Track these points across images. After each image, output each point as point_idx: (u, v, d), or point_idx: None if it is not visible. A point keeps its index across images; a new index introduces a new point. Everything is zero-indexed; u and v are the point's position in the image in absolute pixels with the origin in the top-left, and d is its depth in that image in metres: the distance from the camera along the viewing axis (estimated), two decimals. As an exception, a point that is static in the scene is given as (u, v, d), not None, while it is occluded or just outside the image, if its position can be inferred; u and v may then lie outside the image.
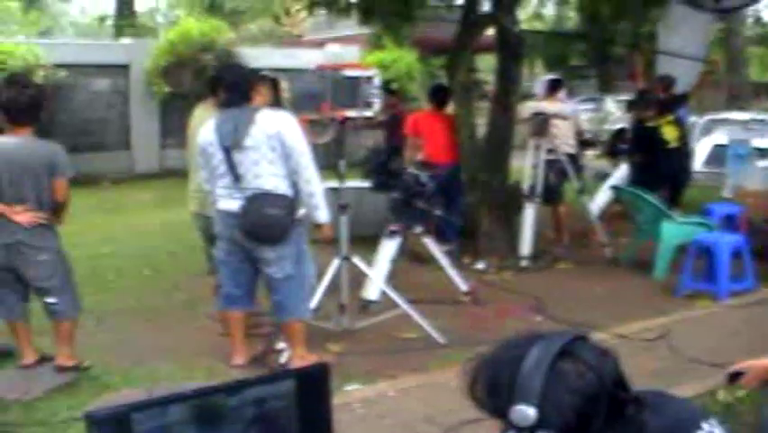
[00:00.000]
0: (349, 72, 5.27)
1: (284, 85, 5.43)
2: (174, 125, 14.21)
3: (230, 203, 4.68)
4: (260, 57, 16.28)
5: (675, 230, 7.40)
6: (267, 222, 4.60)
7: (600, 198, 9.75)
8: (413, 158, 8.11)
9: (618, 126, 12.82)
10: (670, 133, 8.57)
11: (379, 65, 15.95)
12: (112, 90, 15.59)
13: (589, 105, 24.21)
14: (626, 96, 16.51)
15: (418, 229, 6.50)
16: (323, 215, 4.81)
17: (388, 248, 6.25)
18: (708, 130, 14.53)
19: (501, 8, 8.03)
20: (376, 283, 5.97)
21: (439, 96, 8.61)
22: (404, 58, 15.94)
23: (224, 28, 15.88)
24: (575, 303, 6.64)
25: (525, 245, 7.75)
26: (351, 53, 17.54)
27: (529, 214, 7.83)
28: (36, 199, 4.72)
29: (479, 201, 8.12)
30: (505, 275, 7.54)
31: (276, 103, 5.15)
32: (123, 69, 15.55)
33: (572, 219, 8.83)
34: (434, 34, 14.34)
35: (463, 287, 6.49)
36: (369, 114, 5.29)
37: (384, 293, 5.92)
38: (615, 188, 9.01)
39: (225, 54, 14.75)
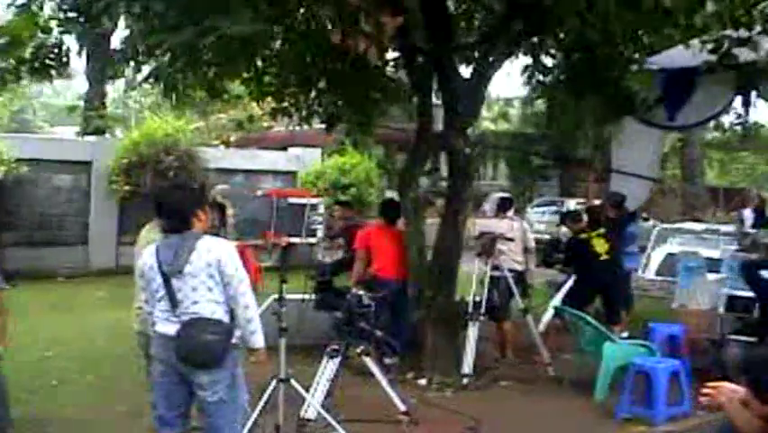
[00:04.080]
0: (294, 200, 5.44)
1: (230, 211, 5.57)
2: (132, 223, 14.11)
3: (167, 327, 4.73)
4: (221, 158, 16.59)
5: (616, 352, 7.49)
6: (203, 347, 4.64)
7: (546, 317, 9.88)
8: (360, 271, 8.27)
9: (553, 237, 13.13)
10: (600, 246, 8.87)
11: (338, 169, 16.25)
12: (73, 186, 15.63)
13: (551, 208, 24.58)
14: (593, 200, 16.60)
15: (360, 348, 6.58)
16: (259, 339, 4.86)
17: (330, 367, 6.31)
18: (661, 239, 14.75)
19: (452, 129, 8.23)
20: (314, 403, 6.02)
21: (390, 211, 8.79)
22: (363, 163, 16.21)
23: (187, 129, 16.07)
24: (513, 426, 6.71)
25: (467, 363, 7.82)
26: (312, 156, 17.79)
27: (472, 332, 7.93)
28: None
29: (424, 317, 8.18)
30: (446, 392, 7.57)
31: (221, 226, 5.27)
32: (85, 165, 15.64)
33: (518, 335, 8.95)
34: (399, 133, 14.49)
35: (401, 406, 6.52)
36: (312, 240, 5.43)
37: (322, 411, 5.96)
38: (556, 308, 9.19)
39: (186, 156, 14.94)
